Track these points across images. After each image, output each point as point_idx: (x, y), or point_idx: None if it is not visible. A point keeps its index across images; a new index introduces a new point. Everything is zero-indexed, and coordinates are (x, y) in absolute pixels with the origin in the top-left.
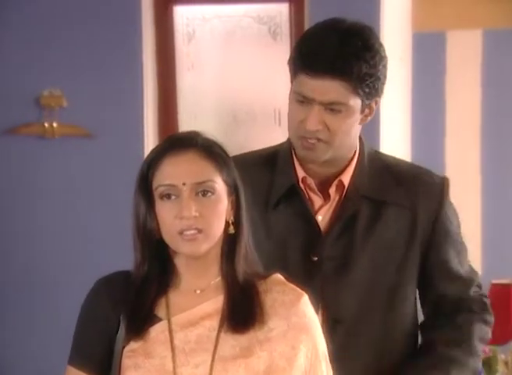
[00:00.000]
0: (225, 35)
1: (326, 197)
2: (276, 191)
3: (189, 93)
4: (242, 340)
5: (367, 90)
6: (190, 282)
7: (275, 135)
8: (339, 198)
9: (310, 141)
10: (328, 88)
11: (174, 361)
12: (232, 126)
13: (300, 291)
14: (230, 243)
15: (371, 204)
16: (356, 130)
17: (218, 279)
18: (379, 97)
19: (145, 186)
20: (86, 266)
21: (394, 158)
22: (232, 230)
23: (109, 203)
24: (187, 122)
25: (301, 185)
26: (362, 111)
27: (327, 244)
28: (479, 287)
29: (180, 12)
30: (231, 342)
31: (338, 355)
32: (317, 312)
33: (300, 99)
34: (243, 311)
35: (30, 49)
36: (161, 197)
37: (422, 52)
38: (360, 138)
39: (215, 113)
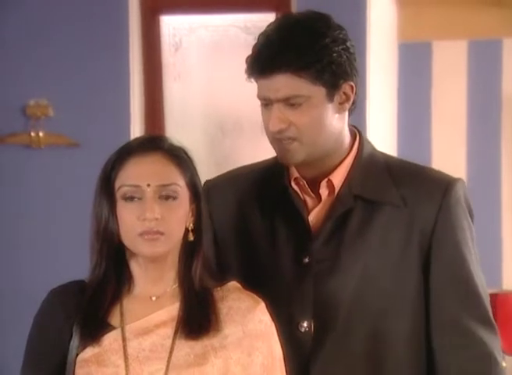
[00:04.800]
0: (211, 45)
1: (319, 198)
2: (270, 193)
3: (175, 103)
4: (196, 347)
5: (324, 76)
6: (145, 288)
7: (261, 146)
8: (332, 199)
9: (283, 142)
10: (278, 84)
11: (127, 370)
12: (219, 137)
13: (257, 298)
14: (189, 250)
15: (365, 204)
16: (332, 122)
17: (175, 286)
18: (351, 81)
19: (107, 186)
20: (73, 275)
21: (401, 160)
22: (191, 237)
23: None
24: (174, 132)
25: (294, 186)
26: (330, 99)
27: (317, 246)
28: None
29: (167, 22)
30: (186, 350)
31: (327, 362)
32: (309, 316)
33: (263, 103)
34: (198, 318)
35: (16, 59)
36: (124, 198)
37: (408, 63)
38: (360, 138)
39: (202, 123)
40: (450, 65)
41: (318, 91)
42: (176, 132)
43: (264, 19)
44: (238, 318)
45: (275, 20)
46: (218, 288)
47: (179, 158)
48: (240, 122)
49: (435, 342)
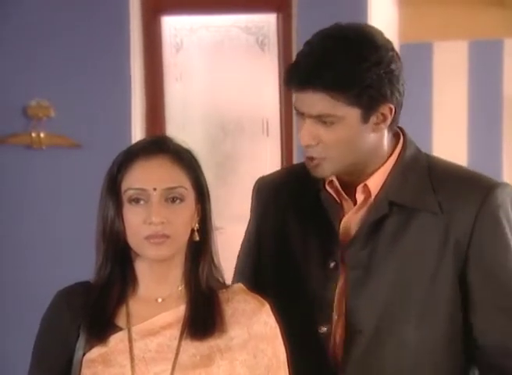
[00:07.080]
0: (213, 45)
1: (355, 201)
2: (306, 195)
3: (177, 103)
4: (202, 349)
5: (360, 100)
6: (151, 290)
7: (262, 146)
8: (368, 203)
9: (313, 161)
10: (313, 100)
11: (133, 370)
12: (220, 137)
13: (262, 300)
14: (194, 250)
15: (400, 210)
16: (366, 140)
17: (181, 288)
18: (390, 103)
19: (114, 188)
20: (74, 276)
21: (445, 162)
22: (196, 237)
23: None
24: (175, 132)
25: (329, 189)
26: (365, 120)
27: (350, 251)
28: None
29: (168, 23)
30: (191, 351)
31: (356, 371)
32: (331, 319)
33: (298, 114)
34: (203, 319)
35: (18, 59)
36: (130, 201)
37: (409, 63)
38: (404, 140)
39: (203, 123)
40: (451, 65)
41: (353, 113)
42: (177, 132)
43: (266, 20)
44: (243, 320)
45: (323, 30)
46: (224, 290)
47: (185, 159)
48: (241, 122)
49: (478, 363)
